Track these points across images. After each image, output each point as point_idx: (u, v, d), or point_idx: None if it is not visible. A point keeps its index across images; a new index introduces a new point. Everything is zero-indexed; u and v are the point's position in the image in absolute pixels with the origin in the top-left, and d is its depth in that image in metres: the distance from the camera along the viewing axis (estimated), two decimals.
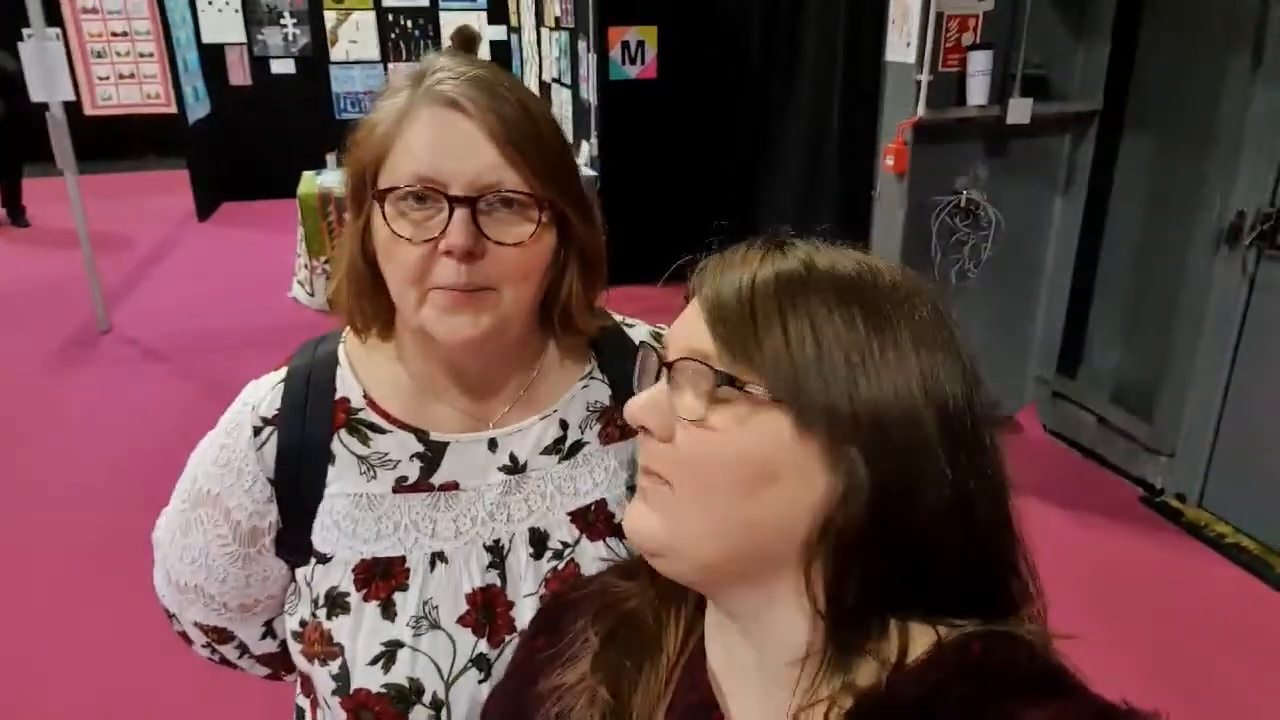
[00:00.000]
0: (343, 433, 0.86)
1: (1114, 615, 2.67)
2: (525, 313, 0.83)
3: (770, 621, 0.60)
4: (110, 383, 4.57)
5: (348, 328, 0.90)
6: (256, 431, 0.86)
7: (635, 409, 0.61)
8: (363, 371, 0.88)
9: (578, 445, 0.92)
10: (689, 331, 0.60)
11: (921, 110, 3.25)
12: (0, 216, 7.60)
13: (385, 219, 0.77)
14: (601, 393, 0.94)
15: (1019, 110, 3.30)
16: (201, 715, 2.28)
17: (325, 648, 0.85)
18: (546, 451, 0.90)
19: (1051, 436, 3.80)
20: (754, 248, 0.61)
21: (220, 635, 0.98)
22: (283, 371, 0.89)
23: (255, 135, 8.28)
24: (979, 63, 3.24)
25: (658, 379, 0.61)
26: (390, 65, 8.73)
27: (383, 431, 0.87)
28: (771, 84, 4.53)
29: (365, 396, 0.87)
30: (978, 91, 3.28)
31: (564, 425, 0.91)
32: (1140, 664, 2.48)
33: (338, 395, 0.87)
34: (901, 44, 3.32)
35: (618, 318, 0.99)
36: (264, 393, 0.88)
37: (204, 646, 1.01)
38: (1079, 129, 3.53)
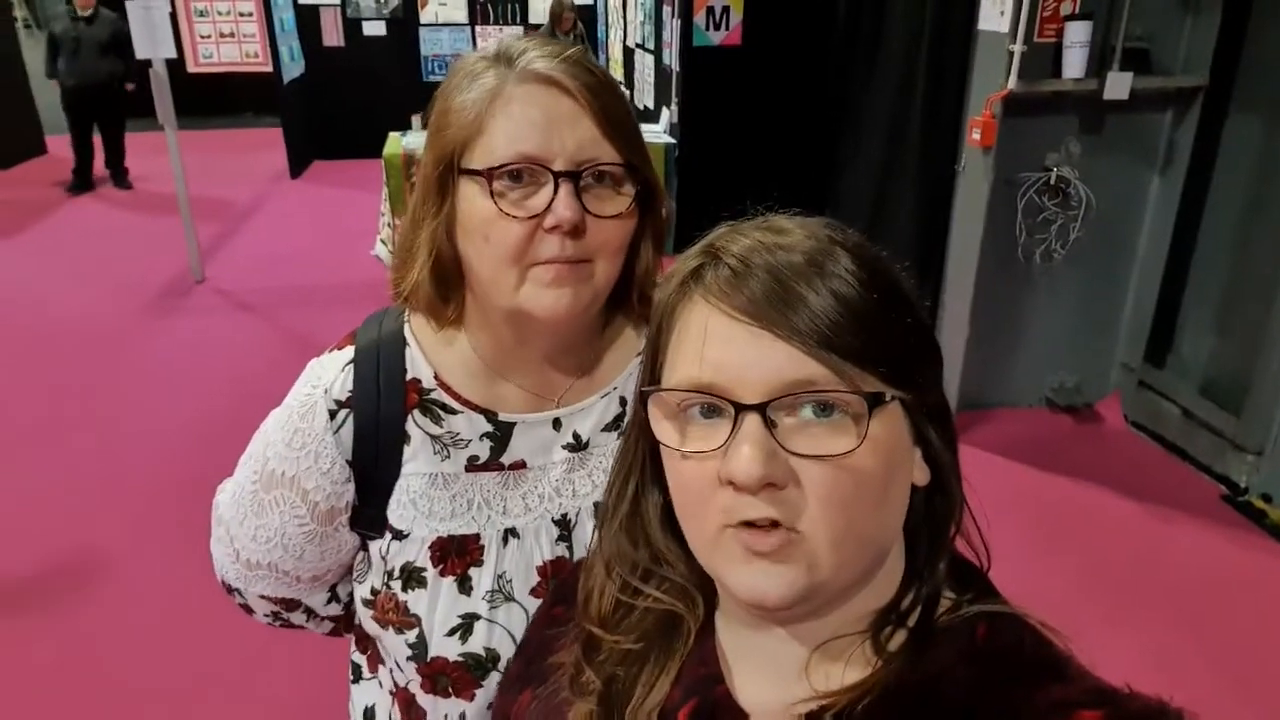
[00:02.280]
0: (416, 413, 0.87)
1: (1188, 615, 2.58)
2: (610, 286, 0.83)
3: (824, 612, 0.58)
4: (202, 330, 4.78)
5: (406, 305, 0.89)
6: (332, 415, 0.86)
7: (759, 471, 0.51)
8: (431, 352, 0.88)
9: None
10: (774, 363, 0.53)
11: (1013, 82, 3.13)
12: (103, 175, 7.88)
13: (493, 197, 0.76)
14: None
15: (1118, 85, 3.16)
16: (261, 660, 2.40)
17: (401, 618, 0.88)
18: (607, 428, 0.91)
19: (1133, 428, 3.66)
20: (736, 238, 0.57)
21: (288, 605, 1.00)
22: (349, 351, 0.88)
23: (346, 96, 8.46)
24: (1077, 33, 3.11)
25: (736, 426, 0.53)
26: (477, 28, 8.80)
27: (454, 412, 0.87)
28: (857, 54, 4.43)
29: (436, 377, 0.88)
30: (1074, 64, 3.15)
31: (623, 402, 0.91)
32: (1212, 668, 2.39)
33: (409, 376, 0.87)
34: (994, 12, 3.20)
35: None
36: (334, 374, 0.87)
37: (266, 615, 1.02)
38: (1181, 106, 3.36)
